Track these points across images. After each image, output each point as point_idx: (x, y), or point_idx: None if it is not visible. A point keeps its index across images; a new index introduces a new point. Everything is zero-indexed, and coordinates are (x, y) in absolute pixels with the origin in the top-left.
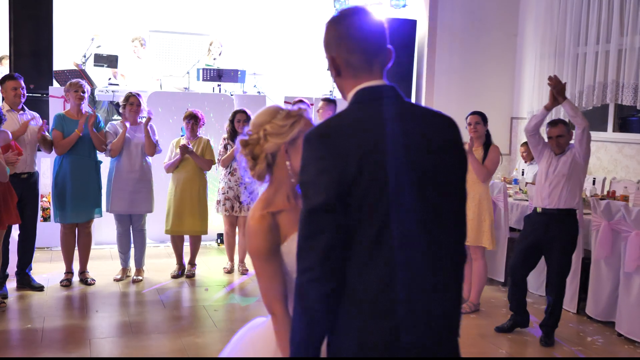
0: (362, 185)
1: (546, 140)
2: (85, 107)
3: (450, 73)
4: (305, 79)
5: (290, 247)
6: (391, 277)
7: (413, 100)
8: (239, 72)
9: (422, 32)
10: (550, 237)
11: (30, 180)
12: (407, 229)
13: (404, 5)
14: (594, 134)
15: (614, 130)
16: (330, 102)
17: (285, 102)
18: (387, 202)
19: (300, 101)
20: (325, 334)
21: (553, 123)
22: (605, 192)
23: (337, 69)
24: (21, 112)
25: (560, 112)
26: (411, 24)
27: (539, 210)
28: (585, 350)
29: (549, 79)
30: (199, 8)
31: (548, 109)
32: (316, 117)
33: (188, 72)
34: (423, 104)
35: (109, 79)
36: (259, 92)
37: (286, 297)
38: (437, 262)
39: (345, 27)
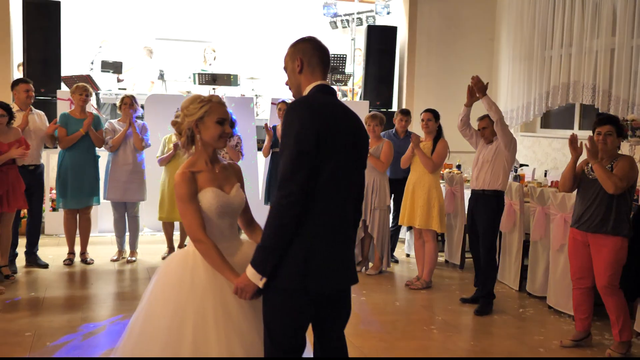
0: (326, 142)
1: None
2: (89, 108)
3: (429, 75)
4: None
5: (203, 195)
6: (333, 210)
7: (396, 101)
8: (232, 76)
9: (402, 38)
10: (477, 213)
11: (36, 172)
12: (343, 174)
13: (389, 13)
14: (562, 131)
15: (580, 128)
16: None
17: (272, 102)
18: (335, 159)
19: (283, 102)
20: (290, 241)
21: (480, 118)
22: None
23: (302, 68)
24: (29, 111)
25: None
26: (392, 30)
27: (472, 191)
28: (512, 318)
29: (471, 78)
30: (201, 17)
31: (467, 105)
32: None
33: (190, 77)
34: (404, 104)
35: (121, 81)
36: (256, 95)
37: (205, 226)
38: (348, 198)
39: (314, 45)
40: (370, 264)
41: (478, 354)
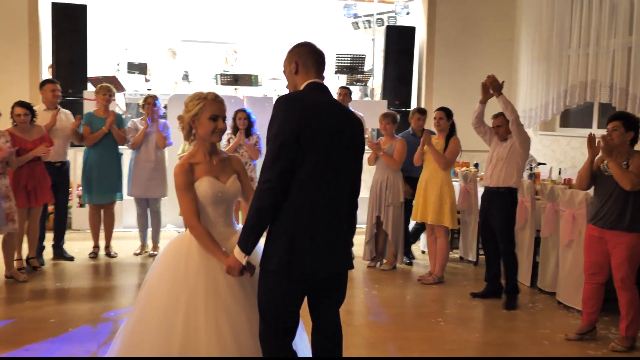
0: (307, 135)
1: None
2: (113, 107)
3: (447, 75)
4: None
5: (200, 184)
6: (317, 197)
7: (415, 100)
8: (253, 77)
9: (421, 38)
10: (492, 211)
11: (62, 168)
12: (329, 166)
13: (408, 13)
14: (581, 130)
15: (598, 127)
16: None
17: None
18: (318, 151)
19: None
20: (266, 224)
21: (494, 116)
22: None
23: (297, 69)
24: (56, 110)
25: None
26: (410, 31)
27: (486, 188)
28: (521, 312)
29: (487, 77)
30: (224, 19)
31: (481, 102)
32: None
33: (213, 77)
34: (423, 103)
35: (148, 81)
36: (278, 95)
37: (199, 214)
38: (337, 199)
39: (308, 47)
40: (385, 260)
41: (481, 345)
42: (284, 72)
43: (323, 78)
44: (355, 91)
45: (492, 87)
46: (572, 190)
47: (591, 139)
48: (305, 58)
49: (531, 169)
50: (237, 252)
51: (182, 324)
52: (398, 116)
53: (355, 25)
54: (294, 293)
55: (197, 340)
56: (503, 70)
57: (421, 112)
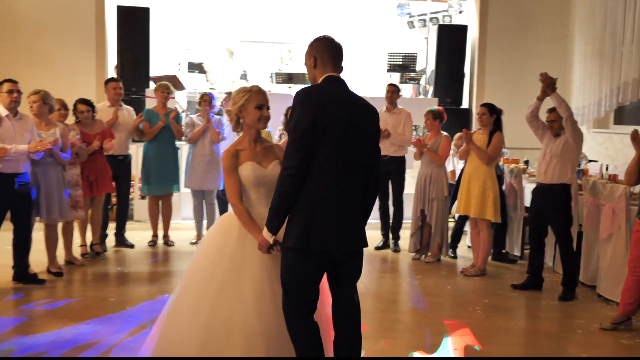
0: (323, 125)
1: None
2: (173, 104)
3: (499, 73)
4: (371, 79)
5: (243, 168)
6: (332, 182)
7: (466, 99)
8: (306, 75)
9: (473, 36)
10: (547, 207)
11: (125, 161)
12: (344, 154)
13: (461, 12)
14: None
15: None
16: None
17: None
18: (333, 140)
19: None
20: (290, 208)
21: (549, 110)
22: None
23: (316, 63)
24: (119, 107)
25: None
26: (463, 29)
27: (538, 184)
28: (559, 303)
29: (539, 75)
30: (280, 20)
31: (539, 99)
32: None
33: (269, 76)
34: (475, 101)
35: (211, 84)
36: None
37: (240, 195)
38: (351, 184)
39: (325, 42)
40: (429, 253)
41: (513, 332)
42: (305, 64)
43: (341, 70)
44: (408, 89)
45: (546, 85)
46: (613, 184)
47: (635, 136)
48: (323, 53)
49: (579, 165)
50: (265, 232)
51: (216, 289)
52: (442, 112)
53: (411, 25)
54: (311, 269)
55: (223, 304)
56: (556, 67)
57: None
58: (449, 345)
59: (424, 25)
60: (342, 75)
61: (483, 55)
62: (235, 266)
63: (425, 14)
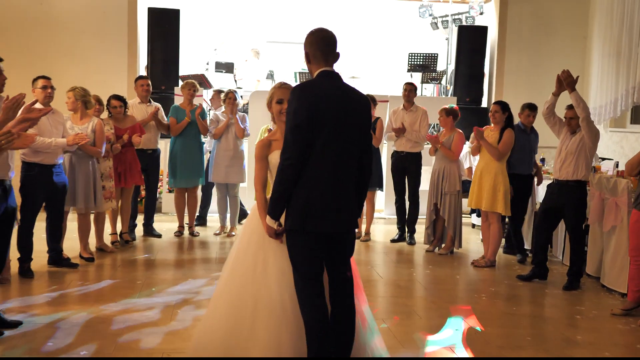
0: (317, 117)
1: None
2: (200, 102)
3: (519, 72)
4: (393, 78)
5: (272, 156)
6: (326, 170)
7: (486, 97)
8: None
9: (492, 37)
10: (562, 203)
11: (153, 155)
12: (337, 144)
13: (482, 13)
14: None
15: None
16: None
17: None
18: (326, 131)
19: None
20: (289, 193)
21: (569, 107)
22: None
23: (309, 59)
24: (148, 103)
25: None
26: (483, 30)
27: (554, 180)
28: (563, 292)
29: (562, 72)
30: (306, 21)
31: (555, 94)
32: None
33: (294, 76)
34: (493, 100)
35: (236, 81)
36: None
37: (265, 183)
38: (344, 170)
39: (314, 36)
40: (443, 245)
41: (513, 316)
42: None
43: (335, 60)
44: (430, 89)
45: (566, 83)
46: (617, 179)
47: None
48: (314, 49)
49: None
50: (268, 220)
51: (244, 270)
52: (456, 110)
53: (434, 26)
54: (310, 246)
55: (252, 281)
56: (575, 67)
57: (531, 108)
58: (452, 326)
59: (447, 26)
60: (364, 68)
61: (502, 56)
62: (260, 250)
63: (447, 15)
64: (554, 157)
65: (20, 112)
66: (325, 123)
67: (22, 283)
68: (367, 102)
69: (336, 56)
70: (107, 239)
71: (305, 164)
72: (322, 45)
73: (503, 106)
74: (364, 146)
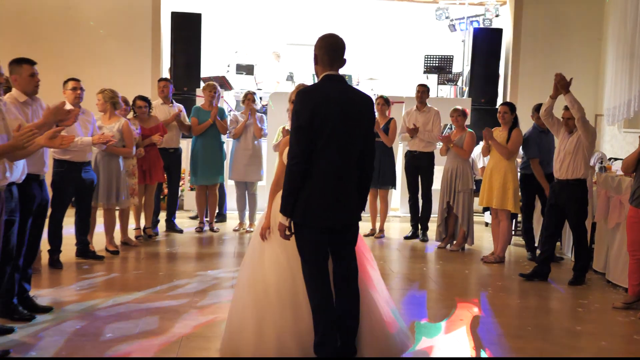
0: (319, 118)
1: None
2: (222, 103)
3: (533, 74)
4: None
5: (284, 155)
6: (329, 168)
7: (500, 98)
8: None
9: (507, 39)
10: (564, 200)
11: (175, 154)
12: (338, 144)
13: (497, 15)
14: None
15: None
16: None
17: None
18: (328, 132)
19: (381, 97)
20: (298, 190)
21: (566, 107)
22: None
23: (317, 61)
24: (170, 104)
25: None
26: (498, 32)
27: (556, 180)
28: (568, 287)
29: (555, 76)
30: (324, 24)
31: (552, 97)
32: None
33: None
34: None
35: (257, 84)
36: (374, 94)
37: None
38: (345, 168)
39: (325, 41)
40: (455, 242)
41: (516, 308)
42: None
43: (341, 65)
44: (446, 90)
45: (560, 85)
46: (621, 177)
47: None
48: (322, 53)
49: (602, 162)
50: (281, 217)
51: (261, 261)
52: (466, 110)
53: (452, 28)
54: (313, 237)
55: (269, 269)
56: (590, 69)
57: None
58: (457, 316)
59: (465, 29)
60: (382, 70)
61: (517, 57)
62: (274, 242)
63: (464, 18)
64: (554, 157)
65: (48, 114)
66: (326, 124)
67: (51, 273)
68: (369, 104)
69: (342, 62)
70: (132, 233)
71: (308, 162)
72: (330, 51)
73: (511, 107)
74: (365, 145)
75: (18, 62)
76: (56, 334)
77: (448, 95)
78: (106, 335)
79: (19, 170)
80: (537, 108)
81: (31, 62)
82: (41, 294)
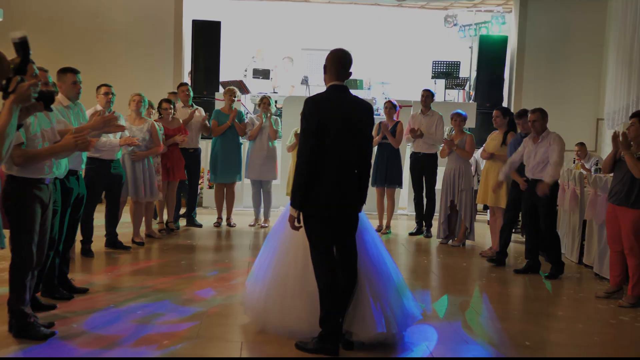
0: (324, 124)
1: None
2: (239, 106)
3: (537, 80)
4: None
5: None
6: (332, 166)
7: (505, 103)
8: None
9: (512, 46)
10: (537, 199)
11: (195, 154)
12: (340, 146)
13: (503, 23)
14: None
15: None
16: None
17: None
18: (332, 135)
19: (389, 101)
20: (306, 185)
21: (532, 110)
22: None
23: (325, 70)
24: (191, 107)
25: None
26: (503, 40)
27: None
28: (555, 280)
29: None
30: (338, 29)
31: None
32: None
33: None
34: (512, 107)
35: (274, 88)
36: (385, 98)
37: None
38: (347, 166)
39: (335, 56)
40: (456, 238)
41: (505, 296)
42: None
43: (347, 77)
44: (453, 94)
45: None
46: (607, 176)
47: (615, 136)
48: (331, 65)
49: (597, 164)
50: (291, 209)
51: (277, 253)
52: (465, 114)
53: (462, 34)
54: (322, 226)
55: (284, 260)
56: (592, 75)
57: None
58: (449, 301)
59: (474, 35)
60: (392, 75)
61: (522, 63)
62: (288, 236)
63: (472, 24)
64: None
65: (100, 120)
66: (330, 129)
67: (84, 261)
68: (368, 110)
69: (348, 75)
70: (155, 227)
71: (316, 161)
72: (338, 64)
73: (503, 111)
74: (363, 145)
75: (63, 71)
76: (91, 311)
77: (456, 100)
78: (136, 312)
79: (62, 167)
80: (520, 114)
81: (75, 71)
82: (77, 278)
